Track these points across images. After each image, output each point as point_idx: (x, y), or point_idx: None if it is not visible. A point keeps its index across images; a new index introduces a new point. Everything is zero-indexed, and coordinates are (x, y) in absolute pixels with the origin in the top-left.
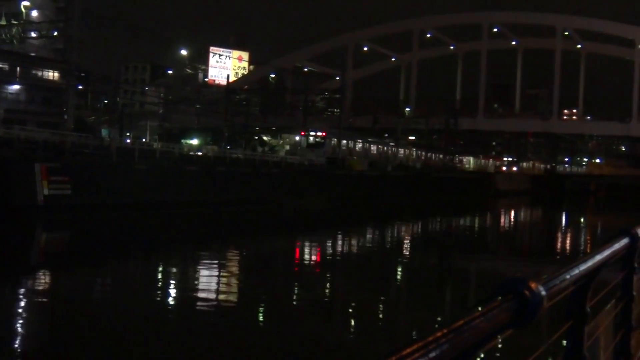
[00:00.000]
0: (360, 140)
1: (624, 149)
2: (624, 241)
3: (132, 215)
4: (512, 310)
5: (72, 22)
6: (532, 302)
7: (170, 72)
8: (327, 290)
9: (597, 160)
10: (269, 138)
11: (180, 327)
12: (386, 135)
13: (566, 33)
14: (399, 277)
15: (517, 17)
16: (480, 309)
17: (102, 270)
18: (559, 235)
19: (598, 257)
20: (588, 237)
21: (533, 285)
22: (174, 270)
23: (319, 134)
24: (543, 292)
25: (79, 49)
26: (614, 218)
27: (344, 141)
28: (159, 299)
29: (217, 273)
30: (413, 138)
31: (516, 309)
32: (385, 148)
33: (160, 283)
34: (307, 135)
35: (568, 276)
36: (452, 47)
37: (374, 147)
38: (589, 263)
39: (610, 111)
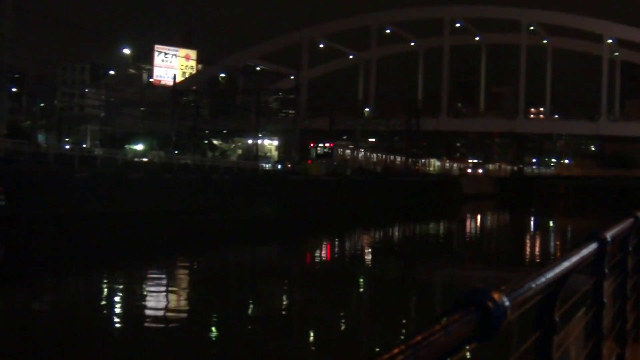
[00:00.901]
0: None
1: (593, 149)
2: (593, 246)
3: (71, 227)
4: (474, 323)
5: (3, 19)
6: (495, 314)
7: (112, 72)
8: (283, 304)
9: (566, 161)
10: (220, 142)
11: (124, 348)
12: (344, 137)
13: (531, 28)
14: (357, 288)
15: (480, 11)
16: (442, 322)
17: (34, 288)
18: (527, 240)
19: (565, 264)
20: (557, 242)
21: (496, 295)
22: (117, 286)
23: (327, 144)
24: (507, 303)
25: (11, 48)
26: (584, 221)
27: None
28: (98, 317)
29: (163, 288)
30: (373, 140)
31: (478, 321)
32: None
33: (101, 301)
34: (316, 146)
35: (534, 285)
36: (412, 44)
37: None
38: (556, 270)
39: (579, 109)
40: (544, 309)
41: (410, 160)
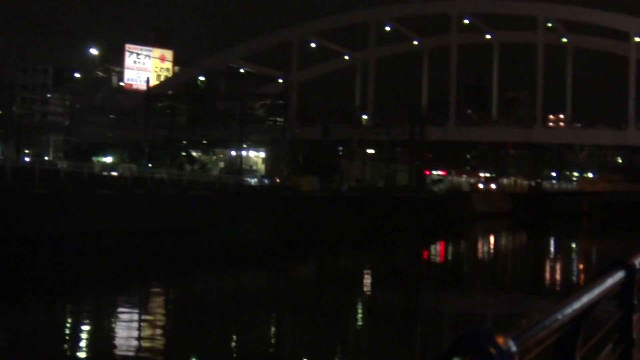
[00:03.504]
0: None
1: (620, 161)
2: (619, 275)
3: (29, 249)
4: None
5: None
6: None
7: (77, 75)
8: (271, 339)
9: (590, 175)
10: (199, 154)
11: None
12: (340, 148)
13: (549, 24)
14: (351, 319)
15: (492, 5)
16: None
17: None
18: (546, 266)
19: (587, 297)
20: (580, 266)
21: (500, 340)
22: (78, 319)
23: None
24: (513, 348)
25: None
26: (611, 243)
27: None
28: (55, 356)
29: (135, 322)
30: (372, 151)
31: None
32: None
33: (58, 336)
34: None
35: (548, 323)
36: (415, 43)
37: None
38: (575, 305)
39: (604, 116)
40: (563, 348)
41: (413, 174)
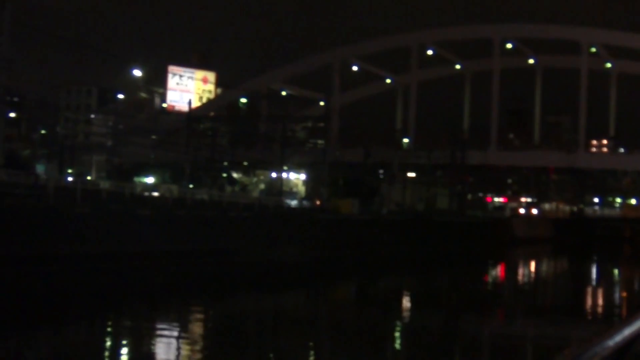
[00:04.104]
0: None
1: None
2: None
3: (68, 269)
4: None
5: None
6: None
7: (121, 96)
8: None
9: (633, 201)
10: (240, 175)
11: None
12: (380, 171)
13: (593, 49)
14: (390, 346)
15: (535, 30)
16: None
17: (34, 336)
18: (588, 293)
19: (628, 331)
20: (623, 294)
21: None
22: (120, 339)
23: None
24: None
25: (8, 68)
26: None
27: None
28: None
29: (174, 342)
30: (413, 175)
31: None
32: None
33: (102, 356)
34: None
35: (599, 350)
36: (458, 67)
37: None
38: (617, 338)
39: None
40: None
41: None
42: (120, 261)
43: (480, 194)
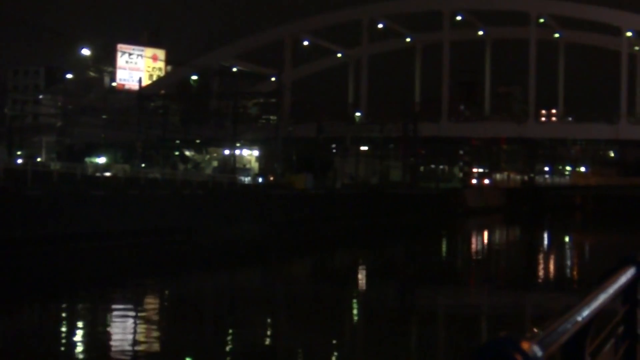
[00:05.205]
0: None
1: (612, 155)
2: (630, 272)
3: (24, 252)
4: None
5: None
6: None
7: (69, 76)
8: (264, 339)
9: (582, 169)
10: (193, 153)
11: None
12: (333, 145)
13: (542, 20)
14: (348, 318)
15: (484, 2)
16: None
17: None
18: (540, 260)
19: (603, 297)
20: (575, 260)
21: (526, 346)
22: (76, 319)
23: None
24: (539, 353)
25: None
26: (604, 236)
27: None
28: (57, 355)
29: (131, 321)
30: (366, 148)
31: None
32: None
33: (57, 336)
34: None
35: (569, 325)
36: (408, 39)
37: None
38: (593, 305)
39: (596, 111)
40: (572, 347)
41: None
42: (74, 242)
43: (464, 166)
